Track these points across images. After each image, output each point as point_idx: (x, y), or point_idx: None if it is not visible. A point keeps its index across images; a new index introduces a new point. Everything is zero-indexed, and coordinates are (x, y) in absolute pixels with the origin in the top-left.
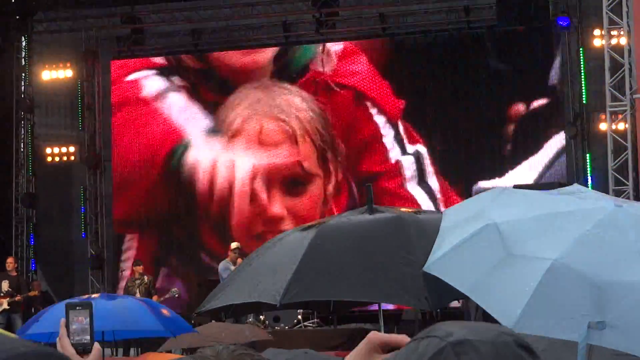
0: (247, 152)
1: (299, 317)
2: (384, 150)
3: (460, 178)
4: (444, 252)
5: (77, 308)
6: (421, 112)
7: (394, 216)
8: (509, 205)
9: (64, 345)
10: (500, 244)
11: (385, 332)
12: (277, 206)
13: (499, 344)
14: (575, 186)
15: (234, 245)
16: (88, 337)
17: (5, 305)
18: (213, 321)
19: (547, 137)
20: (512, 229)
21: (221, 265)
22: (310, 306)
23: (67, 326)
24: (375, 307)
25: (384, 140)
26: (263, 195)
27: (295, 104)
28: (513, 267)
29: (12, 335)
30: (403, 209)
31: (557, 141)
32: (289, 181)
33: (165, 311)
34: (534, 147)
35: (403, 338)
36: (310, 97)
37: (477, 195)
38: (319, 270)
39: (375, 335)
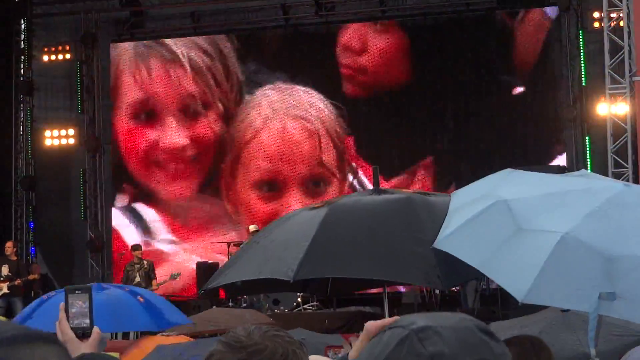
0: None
1: (299, 300)
2: None
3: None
4: (453, 229)
5: (77, 292)
6: (422, 96)
7: (404, 196)
8: (519, 184)
9: (63, 329)
10: (511, 219)
11: (383, 316)
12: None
13: (461, 329)
14: (583, 171)
15: (252, 227)
16: (87, 321)
17: (5, 290)
18: (214, 307)
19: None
20: (522, 205)
21: None
22: (309, 290)
23: (67, 310)
24: (373, 290)
25: None
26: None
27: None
28: (523, 241)
29: (3, 318)
30: (410, 191)
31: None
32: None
33: (157, 303)
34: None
35: (396, 319)
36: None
37: (486, 177)
38: (332, 247)
39: (371, 325)
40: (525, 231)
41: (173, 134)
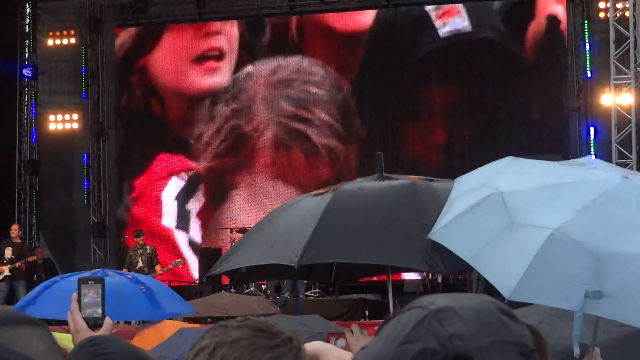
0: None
1: None
2: None
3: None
4: (448, 220)
5: (89, 282)
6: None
7: (409, 182)
8: (517, 174)
9: (75, 319)
10: (504, 213)
11: (385, 304)
12: None
13: (481, 310)
14: (587, 158)
15: None
16: (100, 311)
17: (6, 272)
18: (223, 291)
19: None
20: (516, 198)
21: None
22: (312, 277)
23: (79, 300)
24: (375, 278)
25: None
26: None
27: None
28: (514, 235)
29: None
30: (414, 177)
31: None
32: None
33: (159, 292)
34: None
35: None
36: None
37: (488, 164)
38: (337, 233)
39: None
40: (516, 226)
41: None
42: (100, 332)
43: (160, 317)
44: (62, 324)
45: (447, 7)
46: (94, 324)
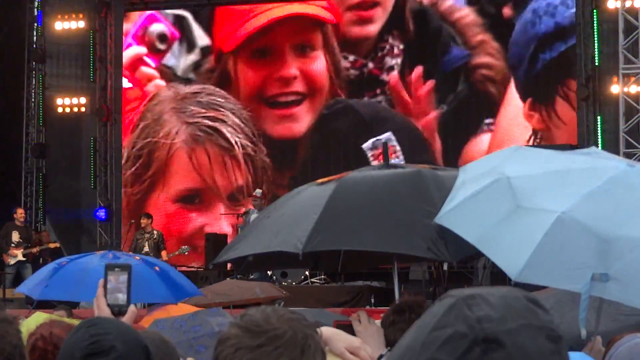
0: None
1: (307, 273)
2: None
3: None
4: (454, 204)
5: (116, 269)
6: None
7: (414, 170)
8: (523, 161)
9: (100, 305)
10: (511, 196)
11: (390, 290)
12: None
13: (509, 297)
14: (592, 148)
15: (257, 192)
16: (124, 299)
17: (20, 257)
18: (228, 278)
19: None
20: (523, 183)
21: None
22: (320, 267)
23: (105, 286)
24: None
25: None
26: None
27: None
28: (520, 219)
29: None
30: (419, 166)
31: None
32: None
33: (173, 274)
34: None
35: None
36: None
37: (494, 152)
38: (341, 220)
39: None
40: (523, 209)
41: None
42: (124, 319)
43: (177, 299)
44: (76, 306)
45: None
46: (118, 310)
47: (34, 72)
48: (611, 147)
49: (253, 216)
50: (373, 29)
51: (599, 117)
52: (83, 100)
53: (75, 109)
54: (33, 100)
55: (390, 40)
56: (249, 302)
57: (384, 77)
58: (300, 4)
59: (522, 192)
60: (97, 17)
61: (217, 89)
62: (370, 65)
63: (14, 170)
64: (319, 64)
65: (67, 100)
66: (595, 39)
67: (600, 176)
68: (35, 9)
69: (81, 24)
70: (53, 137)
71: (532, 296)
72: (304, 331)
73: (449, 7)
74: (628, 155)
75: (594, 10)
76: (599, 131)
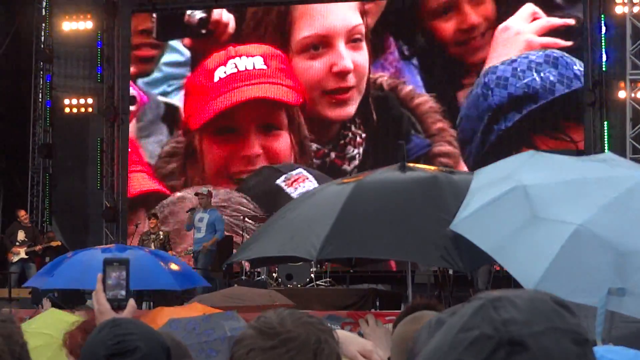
0: None
1: (312, 275)
2: None
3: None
4: (470, 212)
5: (114, 264)
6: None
7: (430, 176)
8: (539, 168)
9: (99, 299)
10: (527, 206)
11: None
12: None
13: (536, 299)
14: (608, 154)
15: (203, 190)
16: (124, 293)
17: (22, 255)
18: (235, 285)
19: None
20: (540, 192)
21: (197, 215)
22: (332, 260)
23: (104, 281)
24: (387, 267)
25: None
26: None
27: None
28: (537, 229)
29: None
30: (434, 168)
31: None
32: None
33: (176, 265)
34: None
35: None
36: None
37: (509, 157)
38: (356, 227)
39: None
40: (540, 220)
41: None
42: (124, 313)
43: (182, 287)
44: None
45: None
46: (117, 305)
47: (41, 73)
48: (618, 153)
49: (199, 215)
50: (343, 113)
51: (605, 123)
52: (90, 100)
53: (83, 110)
54: (40, 100)
55: (353, 128)
56: (265, 307)
57: (346, 167)
58: (271, 85)
59: (539, 202)
60: (105, 18)
61: None
62: (333, 155)
63: (20, 170)
64: (282, 142)
65: (74, 101)
66: (603, 44)
67: (617, 187)
68: (43, 10)
69: (89, 24)
70: (60, 138)
71: (558, 299)
72: (318, 335)
73: (409, 92)
74: (635, 161)
75: (602, 16)
76: (606, 137)
